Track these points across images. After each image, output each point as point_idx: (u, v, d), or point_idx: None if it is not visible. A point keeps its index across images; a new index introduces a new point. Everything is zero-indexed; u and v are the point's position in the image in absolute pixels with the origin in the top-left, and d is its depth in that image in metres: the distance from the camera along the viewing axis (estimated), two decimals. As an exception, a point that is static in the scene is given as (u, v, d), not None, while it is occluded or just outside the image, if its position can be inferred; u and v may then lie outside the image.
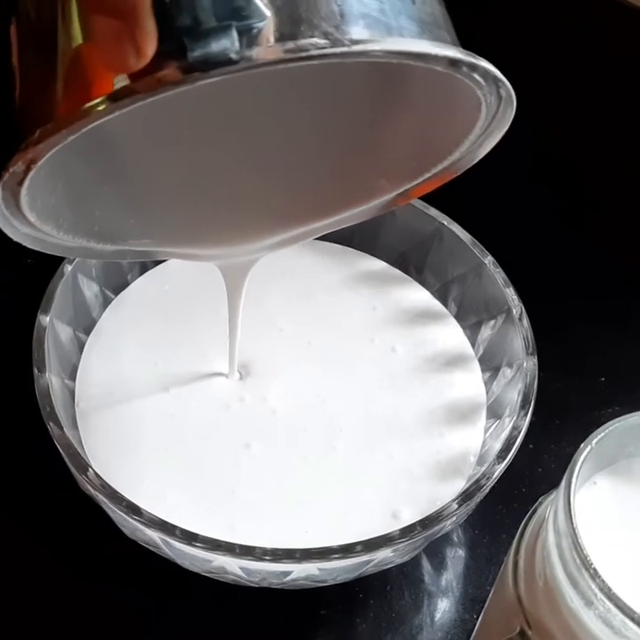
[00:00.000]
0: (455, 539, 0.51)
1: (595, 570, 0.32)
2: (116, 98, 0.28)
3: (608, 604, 0.32)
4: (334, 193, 0.43)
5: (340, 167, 0.42)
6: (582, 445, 0.35)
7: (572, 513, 0.33)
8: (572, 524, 0.33)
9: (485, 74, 0.32)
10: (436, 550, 0.51)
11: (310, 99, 0.38)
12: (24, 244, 0.38)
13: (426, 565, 0.50)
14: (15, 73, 0.32)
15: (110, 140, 0.37)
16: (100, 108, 0.29)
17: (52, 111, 0.30)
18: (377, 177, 0.43)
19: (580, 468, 0.34)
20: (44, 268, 0.50)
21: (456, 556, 0.51)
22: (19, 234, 0.37)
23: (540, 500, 0.39)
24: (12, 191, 0.33)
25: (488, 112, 0.36)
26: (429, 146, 0.40)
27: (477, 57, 0.32)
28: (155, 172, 0.40)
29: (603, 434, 0.35)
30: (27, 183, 0.32)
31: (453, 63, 0.31)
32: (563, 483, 0.34)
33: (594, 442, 0.35)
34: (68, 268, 0.50)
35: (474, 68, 0.31)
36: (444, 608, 0.49)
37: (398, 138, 0.40)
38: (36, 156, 0.30)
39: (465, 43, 0.34)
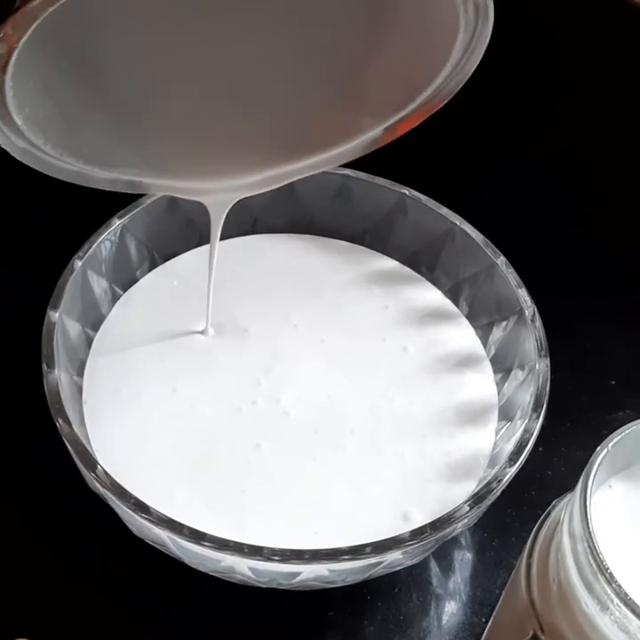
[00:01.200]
0: (463, 542, 0.51)
1: (611, 574, 0.32)
2: None
3: (624, 609, 0.32)
4: (320, 128, 0.43)
5: (326, 100, 0.41)
6: (599, 448, 0.34)
7: (588, 516, 0.33)
8: (588, 527, 0.33)
9: None
10: (444, 553, 0.50)
11: (296, 25, 0.38)
12: (13, 154, 0.38)
13: (434, 568, 0.50)
14: None
15: (100, 60, 0.38)
16: None
17: None
18: (363, 109, 0.42)
19: (597, 472, 0.34)
20: (54, 263, 0.50)
21: (464, 559, 0.50)
22: (9, 143, 0.37)
23: (553, 502, 0.39)
24: None
25: (467, 27, 0.35)
26: (413, 72, 0.40)
27: None
28: (142, 99, 0.40)
29: (619, 437, 0.35)
30: (10, 71, 0.33)
31: None
32: (579, 486, 0.34)
33: (610, 445, 0.35)
34: (78, 263, 0.49)
35: None
36: (451, 611, 0.49)
37: (383, 66, 0.40)
38: (16, 27, 0.31)
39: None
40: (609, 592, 0.32)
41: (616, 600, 0.32)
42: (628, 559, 0.34)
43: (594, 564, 0.32)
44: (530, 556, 0.38)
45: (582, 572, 0.33)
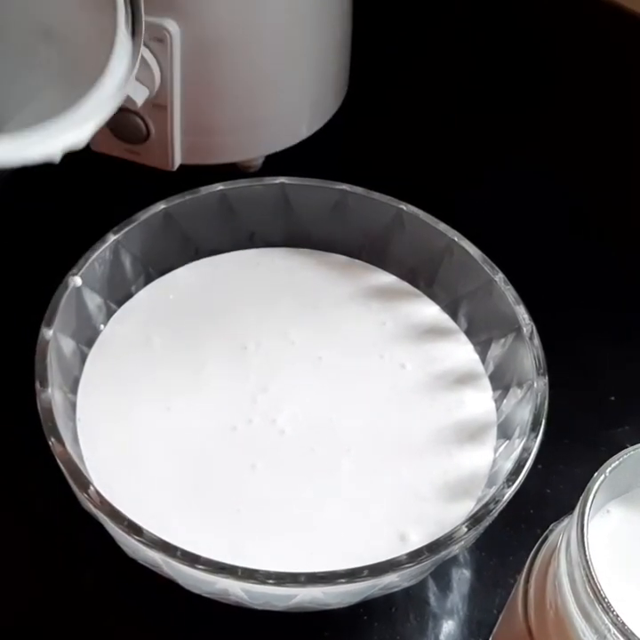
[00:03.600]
0: (461, 560, 0.50)
1: (608, 603, 0.31)
2: None
3: (621, 638, 0.31)
4: None
5: None
6: (596, 474, 0.34)
7: (586, 544, 0.32)
8: (585, 555, 0.32)
9: None
10: (442, 572, 0.50)
11: None
12: None
13: (431, 587, 0.49)
14: None
15: None
16: None
17: None
18: None
19: (594, 497, 0.34)
20: (49, 279, 0.49)
21: (462, 578, 0.50)
22: None
23: (551, 526, 0.38)
24: None
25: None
26: None
27: None
28: None
29: (617, 462, 0.34)
30: None
31: None
32: (576, 512, 0.33)
33: (608, 471, 0.34)
34: (73, 280, 0.49)
35: None
36: (449, 631, 0.48)
37: None
38: None
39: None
40: (606, 621, 0.31)
41: (613, 630, 0.31)
42: (627, 587, 0.34)
43: (591, 593, 0.32)
44: (527, 581, 0.37)
45: (579, 599, 0.33)
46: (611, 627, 0.31)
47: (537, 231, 0.64)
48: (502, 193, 0.66)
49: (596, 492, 0.34)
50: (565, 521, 0.36)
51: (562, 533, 0.35)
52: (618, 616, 0.31)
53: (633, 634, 0.31)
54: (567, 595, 0.33)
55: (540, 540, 0.38)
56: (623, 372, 0.58)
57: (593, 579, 0.32)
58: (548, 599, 0.35)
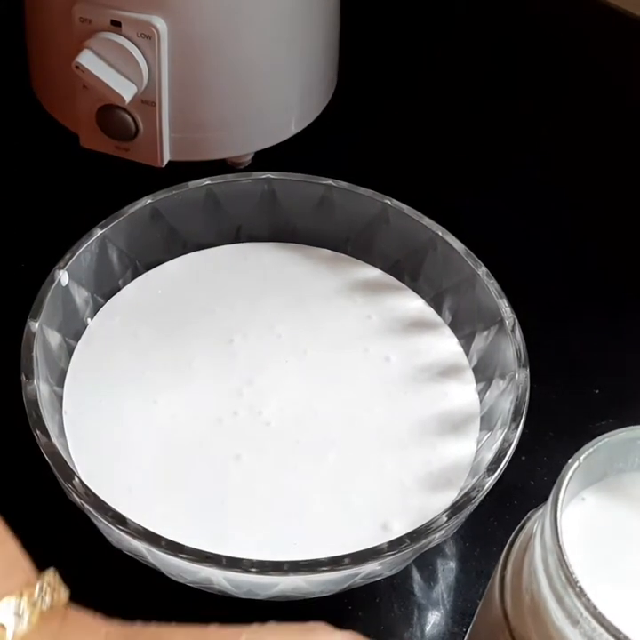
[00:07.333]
0: (446, 551, 0.51)
1: (580, 588, 0.32)
2: None
3: (594, 623, 0.31)
4: None
5: None
6: (570, 461, 0.34)
7: (559, 529, 0.33)
8: (558, 541, 0.33)
9: None
10: (426, 562, 0.50)
11: None
12: None
13: (416, 577, 0.50)
14: None
15: None
16: None
17: None
18: None
19: (568, 484, 0.34)
20: (36, 273, 0.50)
21: (446, 569, 0.50)
22: None
23: (528, 514, 0.38)
24: None
25: None
26: None
27: None
28: None
29: (591, 449, 0.35)
30: None
31: None
32: (550, 498, 0.34)
33: (582, 457, 0.34)
34: (59, 273, 0.49)
35: None
36: (433, 621, 0.49)
37: None
38: None
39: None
40: (578, 605, 0.32)
41: (585, 614, 0.32)
42: (600, 572, 0.34)
43: (563, 577, 0.32)
44: (504, 567, 0.38)
45: (553, 584, 0.33)
46: (583, 611, 0.32)
47: (521, 225, 0.65)
48: (486, 188, 0.67)
49: (569, 479, 0.34)
50: (542, 509, 0.36)
51: (538, 520, 0.36)
52: (589, 600, 0.31)
53: (604, 617, 0.31)
54: (542, 580, 0.34)
55: (518, 527, 0.38)
56: (608, 365, 0.58)
57: (565, 563, 0.32)
58: (524, 584, 0.36)
